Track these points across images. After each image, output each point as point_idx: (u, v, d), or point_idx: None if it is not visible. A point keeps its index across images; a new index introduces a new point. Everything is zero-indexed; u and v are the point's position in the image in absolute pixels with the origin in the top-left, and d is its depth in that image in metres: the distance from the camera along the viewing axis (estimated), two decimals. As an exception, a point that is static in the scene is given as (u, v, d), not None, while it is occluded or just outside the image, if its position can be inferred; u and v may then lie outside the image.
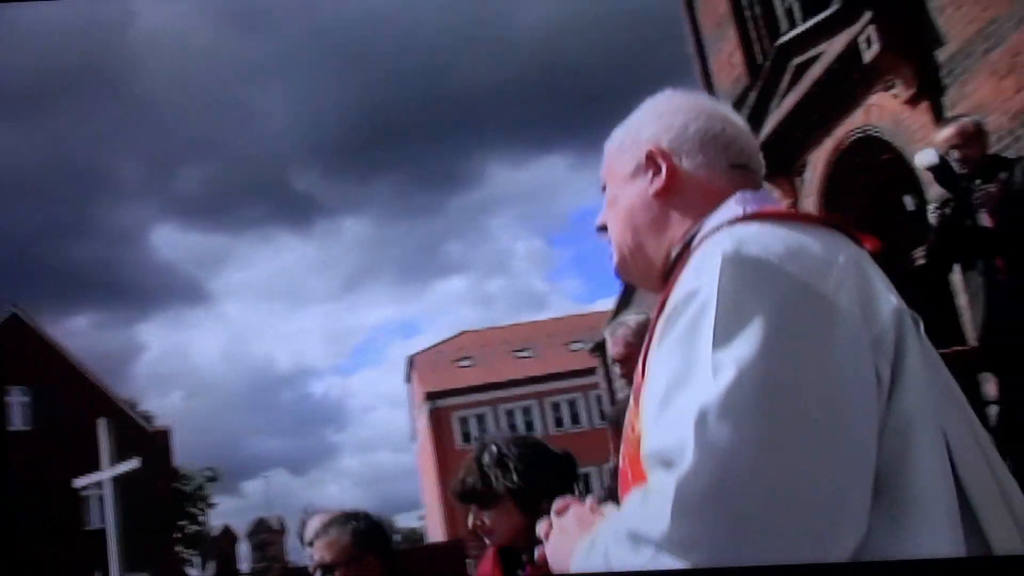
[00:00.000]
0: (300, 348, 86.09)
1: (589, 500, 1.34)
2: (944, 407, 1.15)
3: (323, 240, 79.46)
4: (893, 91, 8.63)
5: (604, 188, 1.48)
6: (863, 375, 1.10)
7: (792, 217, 1.25)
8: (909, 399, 1.11)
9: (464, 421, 42.37)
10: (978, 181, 4.66)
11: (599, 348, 21.03)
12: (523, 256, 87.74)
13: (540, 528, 1.34)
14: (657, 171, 1.37)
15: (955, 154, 4.79)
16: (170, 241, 65.89)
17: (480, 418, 42.05)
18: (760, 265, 1.11)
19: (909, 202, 8.97)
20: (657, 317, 1.20)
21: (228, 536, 16.08)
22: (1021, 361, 4.56)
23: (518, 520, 2.44)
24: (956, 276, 6.09)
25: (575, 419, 42.00)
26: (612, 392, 20.33)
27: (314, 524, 3.51)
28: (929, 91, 8.18)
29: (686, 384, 1.08)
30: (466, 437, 41.87)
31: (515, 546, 2.48)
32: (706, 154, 1.37)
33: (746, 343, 1.06)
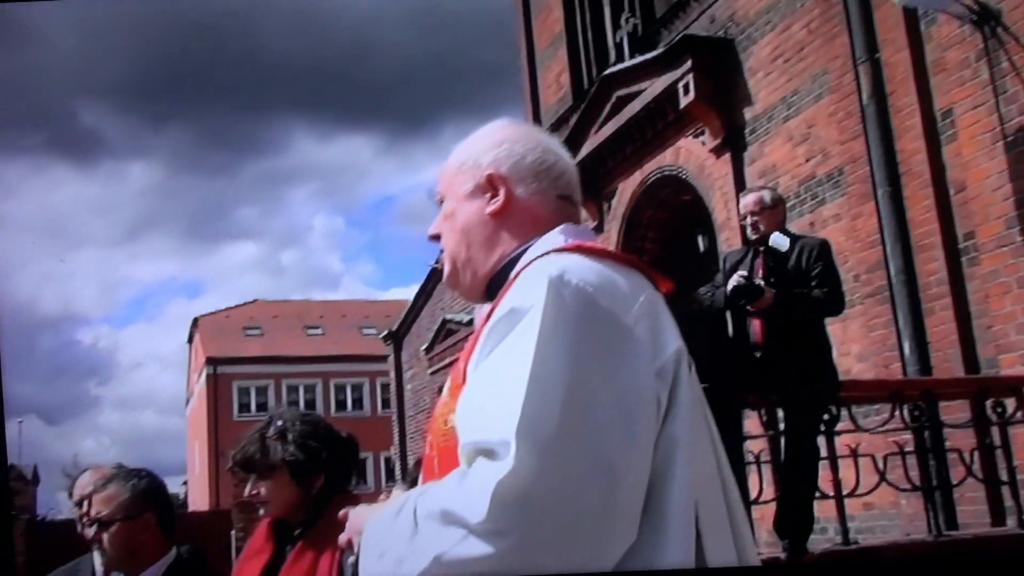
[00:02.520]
0: (69, 291, 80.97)
1: (381, 497, 1.48)
2: (699, 437, 1.36)
3: (106, 181, 74.80)
4: (701, 138, 9.18)
5: (440, 201, 1.61)
6: (648, 397, 1.29)
7: (608, 255, 1.42)
8: (676, 425, 1.31)
9: (244, 391, 41.33)
10: (761, 250, 5.18)
11: (392, 336, 21.09)
12: (320, 233, 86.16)
13: (342, 538, 1.44)
14: (495, 194, 1.53)
15: (750, 220, 5.27)
16: (-77, 155, 60.43)
17: (261, 390, 41.13)
18: (578, 293, 1.30)
19: (703, 243, 9.58)
20: (483, 326, 1.36)
21: (-27, 482, 14.97)
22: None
23: (292, 493, 2.55)
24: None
25: (358, 403, 41.77)
26: (400, 383, 20.44)
27: (87, 478, 3.45)
28: (732, 145, 8.75)
29: (507, 390, 1.23)
30: (244, 407, 40.86)
31: (289, 518, 2.58)
32: (539, 183, 1.54)
33: (560, 359, 1.24)
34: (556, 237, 1.47)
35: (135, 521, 2.86)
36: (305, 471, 2.55)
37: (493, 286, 1.50)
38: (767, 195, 5.34)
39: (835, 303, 5.21)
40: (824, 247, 5.30)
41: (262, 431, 2.61)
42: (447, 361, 17.48)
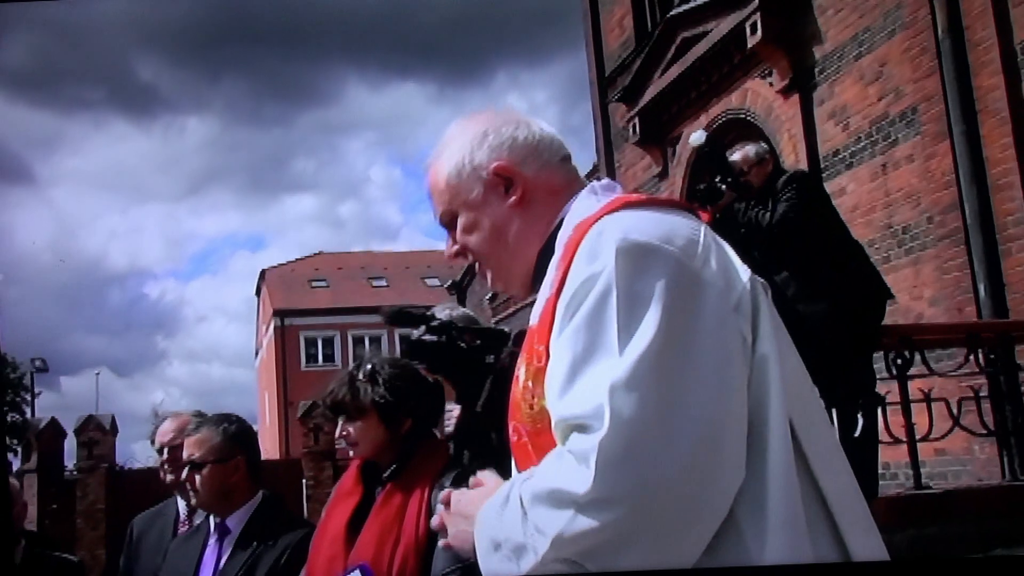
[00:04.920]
0: (135, 247, 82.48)
1: (473, 480, 1.44)
2: (785, 355, 1.33)
3: (165, 135, 75.65)
4: (769, 79, 9.00)
5: (446, 221, 1.55)
6: (731, 336, 1.27)
7: (655, 203, 1.40)
8: (764, 347, 1.29)
9: (312, 342, 41.98)
10: (758, 207, 5.10)
11: (455, 287, 21.23)
12: (378, 183, 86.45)
13: (434, 522, 1.43)
14: (509, 185, 1.49)
15: (741, 179, 5.24)
16: (-11, 111, 60.77)
17: (328, 341, 41.73)
18: (647, 250, 1.27)
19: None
20: (555, 301, 1.31)
21: (54, 430, 15.54)
22: None
23: (382, 434, 2.59)
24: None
25: (423, 353, 42.13)
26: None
27: (168, 425, 3.52)
28: (801, 85, 8.57)
29: (595, 360, 1.22)
30: (311, 358, 41.51)
31: (377, 460, 2.62)
32: (539, 157, 1.51)
33: (644, 322, 1.21)
34: (590, 199, 1.44)
35: (226, 464, 2.95)
36: (394, 413, 2.59)
37: (540, 268, 1.46)
38: (751, 151, 5.33)
39: (773, 230, 5.02)
40: (794, 177, 5.26)
41: (352, 373, 2.64)
42: (511, 311, 17.54)
